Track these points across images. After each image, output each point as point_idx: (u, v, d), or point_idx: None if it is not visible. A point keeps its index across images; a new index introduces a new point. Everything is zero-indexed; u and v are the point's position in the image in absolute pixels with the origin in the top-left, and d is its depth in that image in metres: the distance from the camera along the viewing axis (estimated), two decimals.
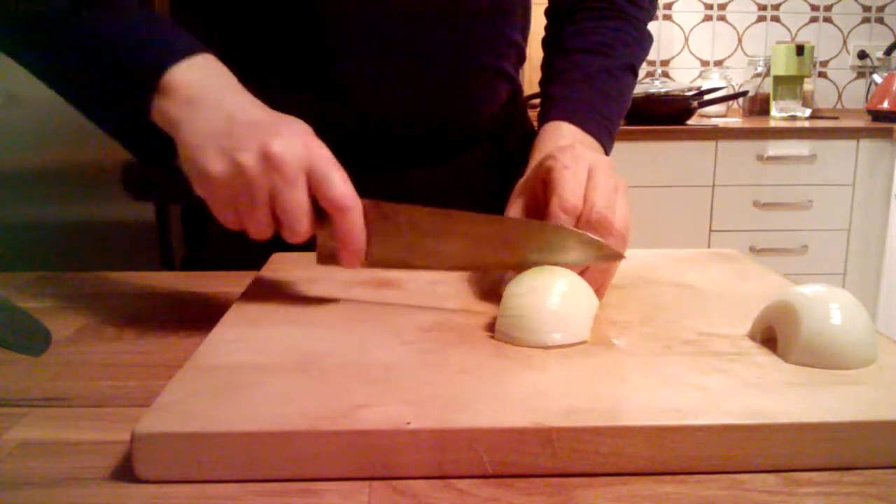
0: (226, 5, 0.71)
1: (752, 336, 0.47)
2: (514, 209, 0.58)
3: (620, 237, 0.52)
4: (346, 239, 0.50)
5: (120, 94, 0.55)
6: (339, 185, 0.48)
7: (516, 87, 0.82)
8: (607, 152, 0.71)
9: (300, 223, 0.48)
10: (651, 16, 0.79)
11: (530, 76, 1.00)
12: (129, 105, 0.54)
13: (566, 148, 0.56)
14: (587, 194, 0.52)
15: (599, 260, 0.51)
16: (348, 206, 0.48)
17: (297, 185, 0.48)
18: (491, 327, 0.48)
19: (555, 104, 0.71)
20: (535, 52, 0.80)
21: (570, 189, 0.52)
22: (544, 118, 0.71)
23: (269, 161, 0.47)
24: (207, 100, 0.51)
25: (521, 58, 0.80)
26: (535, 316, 0.45)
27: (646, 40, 0.78)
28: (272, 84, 0.71)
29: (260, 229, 0.50)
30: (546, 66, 0.77)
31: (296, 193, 0.48)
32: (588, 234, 0.51)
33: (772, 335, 0.45)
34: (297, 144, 0.48)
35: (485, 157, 0.79)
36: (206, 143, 0.49)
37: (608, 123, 0.71)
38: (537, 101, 0.77)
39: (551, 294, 0.46)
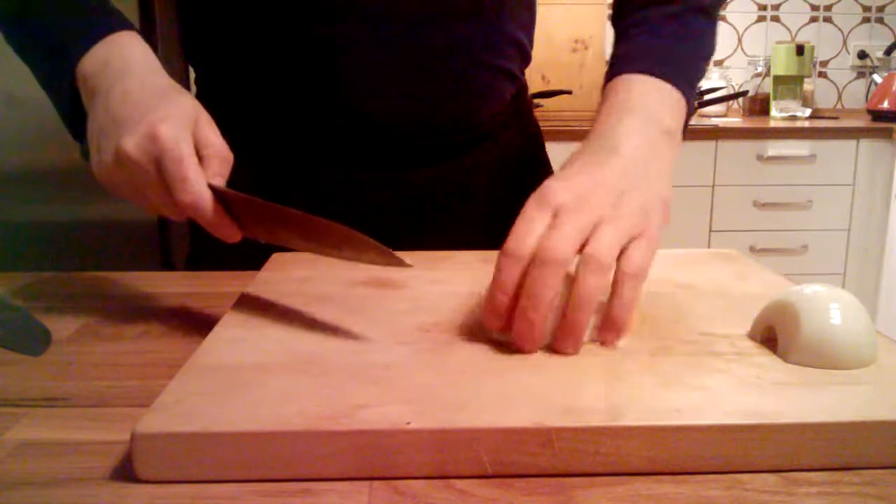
0: (230, 6, 0.71)
1: (751, 336, 0.47)
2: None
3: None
4: (206, 228, 0.51)
5: (51, 84, 0.60)
6: (182, 191, 0.48)
7: (521, 87, 0.82)
8: (689, 99, 0.61)
9: (172, 215, 0.51)
10: None
11: (530, 75, 1.00)
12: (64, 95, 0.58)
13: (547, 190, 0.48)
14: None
15: (388, 266, 0.47)
16: (194, 209, 0.49)
17: (153, 183, 0.49)
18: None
19: (617, 61, 0.62)
20: (537, 51, 0.80)
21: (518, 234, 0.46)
22: (610, 74, 0.62)
23: (121, 161, 0.50)
24: (100, 92, 0.54)
25: (525, 57, 0.79)
26: None
27: None
28: (274, 84, 0.71)
29: (162, 213, 0.52)
30: (618, 27, 0.69)
31: (155, 191, 0.50)
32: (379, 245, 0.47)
33: (772, 335, 0.45)
34: (145, 143, 0.49)
35: (487, 156, 0.79)
36: (91, 139, 0.53)
37: (682, 66, 0.62)
38: (540, 100, 0.76)
39: None
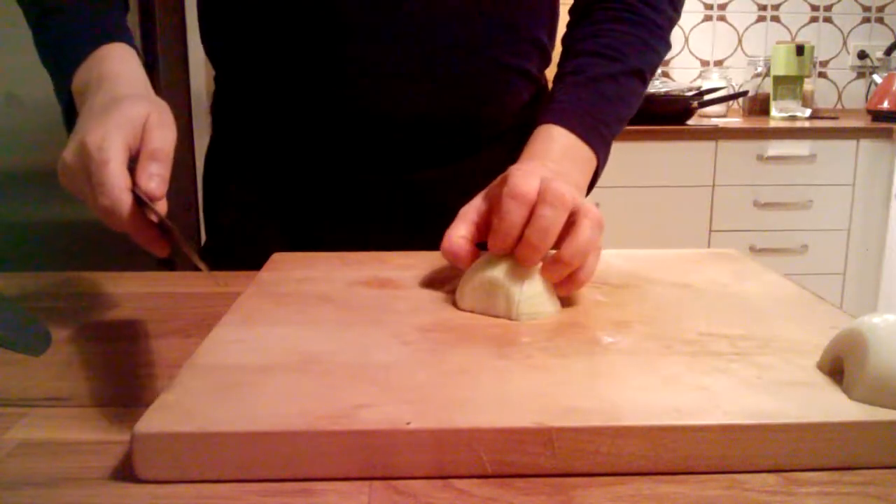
0: (244, 9, 0.71)
1: (820, 366, 0.42)
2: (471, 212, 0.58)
3: (596, 221, 0.52)
4: (133, 238, 0.50)
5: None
6: (100, 194, 0.48)
7: (540, 88, 0.80)
8: (601, 160, 0.69)
9: (108, 223, 0.51)
10: (673, 23, 0.76)
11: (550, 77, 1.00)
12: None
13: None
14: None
15: None
16: (111, 213, 0.48)
17: (87, 189, 0.50)
18: (491, 328, 0.48)
19: (551, 106, 0.69)
20: (558, 52, 0.79)
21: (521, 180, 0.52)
22: (540, 120, 0.69)
23: (62, 170, 0.51)
24: (80, 111, 0.56)
25: (545, 58, 0.78)
26: (505, 288, 0.50)
27: (662, 46, 0.75)
28: (284, 81, 0.71)
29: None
30: (559, 65, 0.75)
31: (92, 197, 0.50)
32: None
33: (839, 367, 0.41)
34: (77, 150, 0.50)
35: (499, 158, 0.78)
36: None
37: (604, 129, 0.68)
38: None
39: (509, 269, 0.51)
